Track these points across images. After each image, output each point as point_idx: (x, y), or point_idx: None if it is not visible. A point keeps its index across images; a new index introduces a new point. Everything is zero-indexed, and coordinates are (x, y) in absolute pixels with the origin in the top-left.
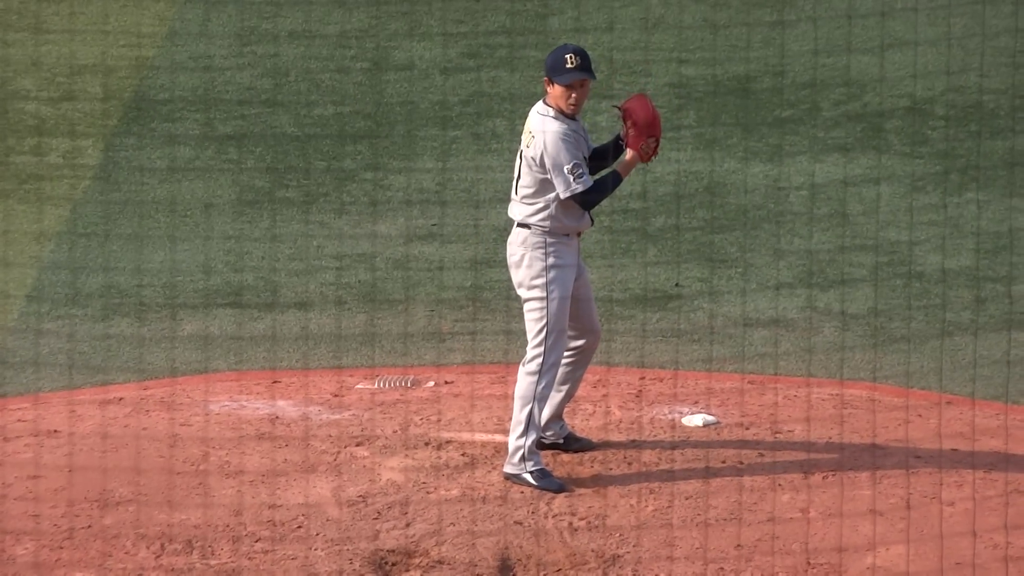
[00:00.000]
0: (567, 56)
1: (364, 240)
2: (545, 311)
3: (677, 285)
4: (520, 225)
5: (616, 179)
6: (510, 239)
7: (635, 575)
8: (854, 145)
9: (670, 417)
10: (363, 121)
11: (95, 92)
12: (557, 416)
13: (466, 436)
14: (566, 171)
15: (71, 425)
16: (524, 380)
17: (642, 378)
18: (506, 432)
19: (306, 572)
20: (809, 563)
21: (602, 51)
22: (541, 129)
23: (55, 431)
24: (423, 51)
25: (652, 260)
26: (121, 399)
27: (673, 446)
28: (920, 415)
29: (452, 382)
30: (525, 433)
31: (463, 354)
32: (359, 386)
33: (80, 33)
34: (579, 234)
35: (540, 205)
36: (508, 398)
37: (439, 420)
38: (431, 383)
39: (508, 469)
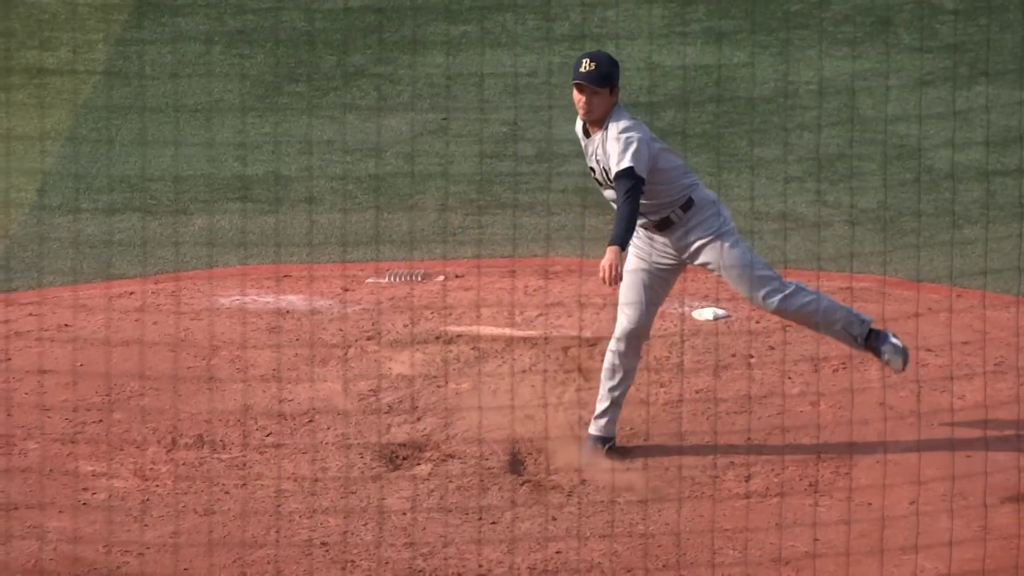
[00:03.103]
0: (579, 60)
1: (372, 135)
2: (735, 247)
3: None
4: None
5: (630, 223)
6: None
7: (645, 467)
8: (863, 39)
9: (681, 311)
10: (372, 16)
11: None
12: (615, 406)
13: (476, 330)
14: (631, 150)
15: (80, 321)
16: (800, 313)
17: None
18: (515, 325)
19: (316, 466)
20: (819, 456)
21: None
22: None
23: (65, 325)
24: None
25: None
26: (131, 293)
27: (683, 340)
28: (930, 308)
29: (462, 276)
30: (848, 323)
31: (472, 248)
32: (368, 281)
33: None
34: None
35: (667, 198)
36: (517, 290)
37: (449, 314)
38: (440, 277)
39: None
